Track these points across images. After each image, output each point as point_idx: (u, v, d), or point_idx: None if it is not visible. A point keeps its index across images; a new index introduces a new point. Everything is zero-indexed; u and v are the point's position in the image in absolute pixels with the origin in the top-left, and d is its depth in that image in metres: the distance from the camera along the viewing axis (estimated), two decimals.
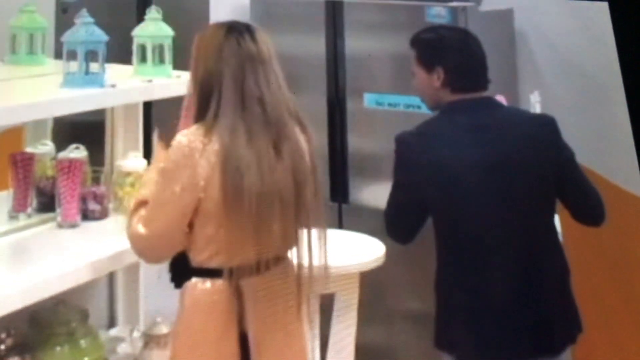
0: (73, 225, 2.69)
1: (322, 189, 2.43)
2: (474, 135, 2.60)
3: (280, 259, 2.36)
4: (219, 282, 2.29)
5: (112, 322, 2.99)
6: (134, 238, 2.31)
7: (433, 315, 2.68)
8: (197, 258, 2.31)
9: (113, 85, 2.66)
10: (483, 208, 2.57)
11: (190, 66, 2.36)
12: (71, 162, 2.70)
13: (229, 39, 2.32)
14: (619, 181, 3.26)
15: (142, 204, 2.32)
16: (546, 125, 2.66)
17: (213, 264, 2.30)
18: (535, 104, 3.30)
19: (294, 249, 2.37)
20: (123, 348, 2.80)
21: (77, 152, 2.76)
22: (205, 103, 2.30)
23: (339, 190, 3.70)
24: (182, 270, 2.33)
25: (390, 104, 3.60)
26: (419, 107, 3.24)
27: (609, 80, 3.04)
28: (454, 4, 3.54)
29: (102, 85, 2.65)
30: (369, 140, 3.66)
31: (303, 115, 2.39)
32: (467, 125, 2.62)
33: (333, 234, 3.35)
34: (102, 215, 2.77)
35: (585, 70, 3.48)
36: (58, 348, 2.50)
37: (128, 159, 2.82)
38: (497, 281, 2.56)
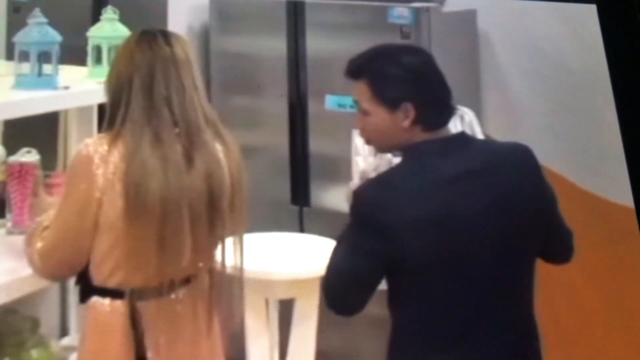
0: (24, 232, 2.60)
1: (244, 201, 2.30)
2: (452, 185, 2.20)
3: (190, 279, 2.25)
4: (118, 303, 2.20)
5: (64, 332, 2.94)
6: (31, 254, 2.24)
7: None
8: (96, 277, 2.22)
9: (67, 88, 2.64)
10: (472, 272, 2.19)
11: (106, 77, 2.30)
12: (22, 167, 2.65)
13: (141, 42, 2.25)
14: (607, 188, 3.23)
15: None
16: (527, 158, 2.29)
17: (111, 283, 2.20)
18: (471, 122, 3.16)
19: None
20: (75, 358, 2.74)
21: (29, 156, 2.71)
22: (115, 111, 2.22)
23: (300, 193, 3.67)
24: (86, 287, 2.25)
25: (352, 106, 3.54)
26: None
27: (597, 82, 3.02)
28: (417, 4, 3.51)
29: (55, 87, 2.62)
30: (330, 143, 3.63)
31: (221, 125, 2.29)
32: (443, 173, 2.21)
33: (294, 238, 3.37)
34: None
35: (573, 72, 3.45)
36: (7, 359, 2.45)
37: None
38: (481, 350, 2.22)
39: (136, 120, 2.18)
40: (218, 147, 2.26)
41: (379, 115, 2.25)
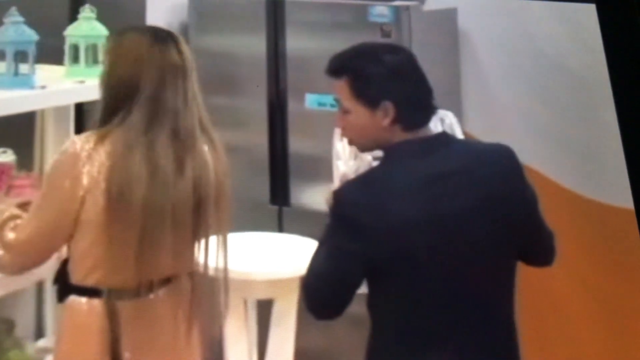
0: None
1: (228, 202, 2.30)
2: (433, 185, 2.18)
3: (171, 279, 2.25)
4: (96, 302, 2.19)
5: (39, 333, 2.92)
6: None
7: None
8: (74, 274, 2.22)
9: (43, 87, 2.63)
10: (452, 273, 2.17)
11: (104, 68, 2.25)
12: None
13: (153, 47, 2.22)
14: (606, 190, 3.22)
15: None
16: (508, 160, 2.27)
17: (89, 281, 2.19)
18: (451, 125, 3.13)
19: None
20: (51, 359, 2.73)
21: (5, 156, 2.70)
22: (112, 109, 2.20)
23: (280, 193, 3.66)
24: (64, 285, 2.24)
25: (332, 105, 3.54)
26: None
27: (596, 82, 3.01)
28: (397, 3, 3.51)
29: (32, 86, 2.61)
30: (310, 142, 3.62)
31: (213, 130, 2.29)
32: (423, 174, 2.19)
33: (273, 238, 3.36)
34: None
35: (572, 72, 3.45)
36: None
37: None
38: (460, 353, 2.20)
39: (135, 126, 2.17)
40: (206, 149, 2.26)
41: (359, 114, 2.24)
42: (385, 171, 2.23)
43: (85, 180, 2.15)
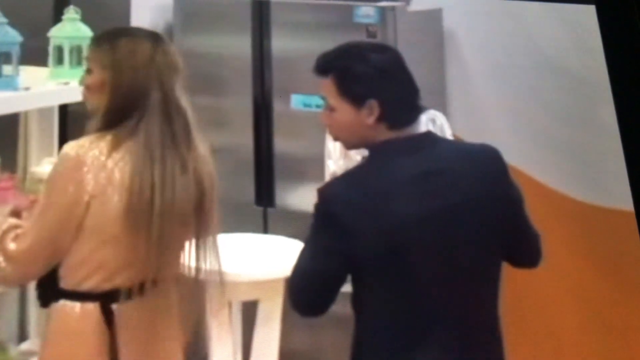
0: None
1: (216, 203, 2.30)
2: (417, 184, 2.19)
3: (158, 280, 2.22)
4: (90, 307, 2.18)
5: (23, 336, 2.91)
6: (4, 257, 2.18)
7: None
8: (68, 280, 2.19)
9: (27, 88, 2.61)
10: (434, 272, 2.19)
11: (109, 73, 2.21)
12: None
13: (156, 50, 2.21)
14: (606, 193, 3.23)
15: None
16: (493, 160, 2.28)
17: (85, 287, 2.17)
18: (442, 126, 3.14)
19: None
20: None
21: None
22: (121, 114, 2.18)
23: (265, 194, 3.66)
24: (50, 290, 2.21)
25: (317, 106, 3.55)
26: None
27: (596, 83, 3.01)
28: (383, 3, 3.51)
29: (15, 88, 2.61)
30: (295, 143, 3.62)
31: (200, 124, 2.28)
32: (408, 172, 2.20)
33: (258, 239, 3.36)
34: None
35: (571, 73, 3.45)
36: None
37: (42, 165, 2.76)
38: (443, 351, 2.21)
39: (151, 130, 2.16)
40: (202, 149, 2.26)
41: (345, 112, 2.24)
42: (370, 169, 2.23)
43: (90, 186, 2.13)
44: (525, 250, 2.34)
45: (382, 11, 3.48)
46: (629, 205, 3.10)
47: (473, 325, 2.23)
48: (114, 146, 2.15)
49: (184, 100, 2.22)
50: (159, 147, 2.16)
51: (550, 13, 3.29)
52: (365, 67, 2.25)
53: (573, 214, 3.32)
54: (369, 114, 2.22)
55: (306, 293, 2.22)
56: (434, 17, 3.71)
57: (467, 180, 2.22)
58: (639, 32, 2.51)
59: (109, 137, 2.16)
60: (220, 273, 2.28)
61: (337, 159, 2.86)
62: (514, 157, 2.86)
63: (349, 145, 2.33)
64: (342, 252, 2.16)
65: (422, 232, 2.16)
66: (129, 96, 2.19)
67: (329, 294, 2.19)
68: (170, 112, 2.19)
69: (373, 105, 2.22)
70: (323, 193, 2.22)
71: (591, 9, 2.83)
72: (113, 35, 2.27)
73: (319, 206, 2.21)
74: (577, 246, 3.30)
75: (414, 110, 2.28)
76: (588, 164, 3.29)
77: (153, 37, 2.25)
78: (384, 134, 2.23)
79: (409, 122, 2.26)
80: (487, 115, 3.39)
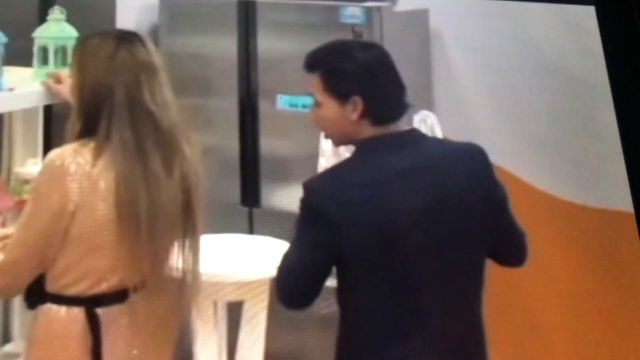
0: None
1: (202, 204, 2.29)
2: (402, 179, 2.24)
3: (146, 283, 2.21)
4: (76, 311, 2.17)
5: (6, 338, 2.90)
6: None
7: None
8: (54, 284, 2.18)
9: (12, 89, 2.60)
10: (417, 266, 2.22)
11: (75, 73, 2.22)
12: None
13: (121, 48, 2.18)
14: (602, 194, 3.23)
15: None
16: (477, 157, 2.33)
17: (71, 292, 2.16)
18: (432, 126, 3.15)
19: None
20: None
21: None
22: (92, 118, 2.16)
23: (250, 194, 3.66)
24: (37, 292, 2.19)
25: (303, 106, 3.56)
26: None
27: (595, 84, 3.02)
28: (369, 4, 3.51)
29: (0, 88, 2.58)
30: (281, 143, 3.62)
31: (186, 125, 2.26)
32: (392, 168, 2.24)
33: (243, 239, 3.36)
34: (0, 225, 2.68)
35: (571, 74, 3.45)
36: None
37: (26, 165, 2.75)
38: (429, 353, 2.26)
39: (123, 134, 2.14)
40: (188, 150, 2.24)
41: (330, 107, 2.29)
42: (354, 164, 2.28)
43: (75, 195, 2.11)
44: (510, 248, 2.37)
45: (369, 11, 3.48)
46: (622, 206, 3.11)
47: (455, 317, 2.26)
48: (97, 153, 2.14)
49: (161, 99, 2.19)
50: (137, 151, 2.14)
51: (549, 13, 3.30)
52: (349, 64, 2.30)
53: (564, 214, 3.32)
54: (353, 110, 2.26)
55: (289, 285, 2.27)
56: (420, 17, 3.72)
57: (451, 177, 2.26)
58: (638, 32, 2.52)
59: (92, 145, 2.15)
60: (199, 274, 2.27)
61: (329, 157, 2.88)
62: (498, 157, 2.87)
63: (337, 141, 2.36)
64: (326, 245, 2.20)
65: (405, 227, 2.20)
66: (93, 95, 2.16)
67: (314, 286, 2.23)
68: (140, 112, 2.16)
69: (357, 101, 2.26)
70: (308, 187, 2.26)
71: (590, 10, 2.84)
72: (85, 37, 2.28)
73: (304, 200, 2.26)
74: (568, 247, 3.31)
75: (398, 107, 2.31)
76: (583, 165, 3.29)
77: (121, 36, 2.22)
78: (369, 130, 2.27)
79: (392, 119, 2.30)
80: (473, 115, 3.40)
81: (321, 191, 2.24)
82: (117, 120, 2.15)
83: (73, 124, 2.19)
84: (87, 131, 2.17)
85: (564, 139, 3.31)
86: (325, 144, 2.93)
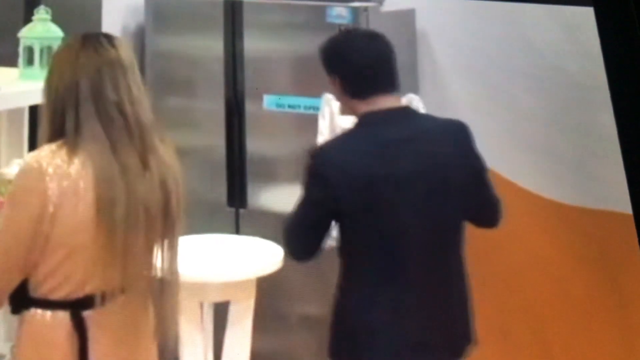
0: None
1: (183, 204, 2.27)
2: (391, 148, 2.55)
3: (132, 285, 2.19)
4: (61, 315, 2.14)
5: None
6: None
7: (329, 322, 2.62)
8: (38, 289, 2.15)
9: None
10: (402, 223, 2.54)
11: (44, 85, 2.19)
12: None
13: (86, 46, 2.17)
14: (603, 198, 3.23)
15: None
16: (461, 132, 2.62)
17: (56, 295, 2.14)
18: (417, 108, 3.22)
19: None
20: None
21: None
22: (60, 118, 2.13)
23: (237, 194, 3.65)
24: (20, 297, 2.16)
25: (290, 106, 3.56)
26: (319, 108, 3.21)
27: (594, 85, 3.01)
28: (355, 4, 3.51)
29: None
30: (268, 143, 3.62)
31: (159, 126, 2.24)
32: (386, 138, 2.55)
33: (230, 240, 3.36)
34: None
35: (571, 75, 3.44)
36: None
37: (12, 166, 2.73)
38: (411, 297, 2.56)
39: (92, 129, 2.12)
40: (163, 150, 2.22)
41: (331, 84, 2.67)
42: (352, 136, 2.64)
43: (54, 195, 2.09)
44: (486, 211, 2.69)
45: (355, 11, 3.48)
46: (620, 208, 3.10)
47: (435, 269, 2.59)
48: (73, 151, 2.11)
49: (128, 94, 2.16)
50: (111, 145, 2.12)
51: (547, 14, 3.30)
52: (328, 45, 2.69)
53: (561, 217, 3.33)
54: (334, 86, 2.63)
55: (294, 236, 2.63)
56: (406, 17, 3.72)
57: (438, 147, 2.60)
58: (637, 34, 2.52)
59: (67, 146, 2.12)
60: (178, 273, 2.26)
61: (327, 136, 3.15)
62: (490, 162, 2.88)
63: (341, 110, 2.81)
64: (323, 202, 2.55)
65: (393, 188, 2.53)
66: (59, 93, 2.14)
67: (315, 239, 2.58)
68: (105, 105, 2.13)
69: (335, 79, 2.62)
70: (311, 154, 2.61)
71: (589, 11, 2.84)
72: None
73: (308, 165, 2.59)
74: (567, 249, 3.32)
75: (372, 82, 2.61)
76: (581, 167, 3.29)
77: (88, 36, 2.21)
78: (358, 104, 2.60)
79: (370, 92, 2.59)
80: (460, 117, 3.39)
81: (322, 158, 2.61)
82: (84, 113, 2.12)
83: (44, 128, 2.16)
84: (57, 131, 2.14)
85: (562, 141, 3.32)
86: (322, 124, 3.21)
